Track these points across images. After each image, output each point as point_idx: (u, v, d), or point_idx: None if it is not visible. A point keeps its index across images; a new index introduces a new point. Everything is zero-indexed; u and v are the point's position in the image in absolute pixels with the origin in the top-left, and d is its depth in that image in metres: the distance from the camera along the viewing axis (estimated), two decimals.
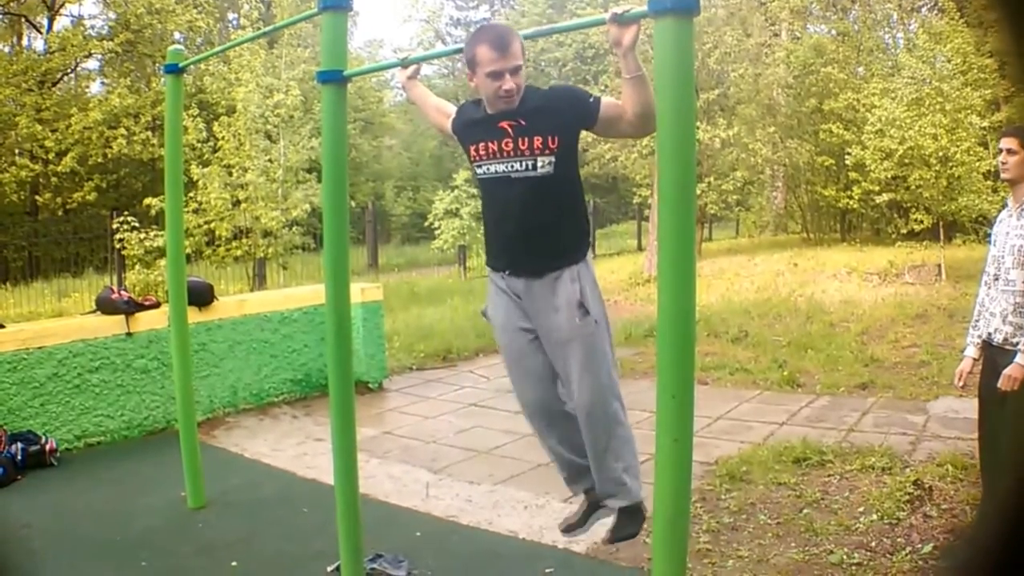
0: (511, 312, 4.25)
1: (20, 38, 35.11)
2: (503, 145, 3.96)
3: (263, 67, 19.49)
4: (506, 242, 4.20)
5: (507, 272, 4.21)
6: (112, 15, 34.37)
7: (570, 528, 4.67)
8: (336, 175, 4.98)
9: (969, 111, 18.37)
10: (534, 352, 4.25)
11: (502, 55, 3.86)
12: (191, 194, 17.64)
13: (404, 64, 4.65)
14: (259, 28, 19.65)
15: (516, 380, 4.38)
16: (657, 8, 3.22)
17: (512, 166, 3.97)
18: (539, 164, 3.92)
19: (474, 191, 24.66)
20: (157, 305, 9.28)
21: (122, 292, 9.46)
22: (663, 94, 3.32)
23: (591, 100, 3.99)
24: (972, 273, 16.06)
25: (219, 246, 18.64)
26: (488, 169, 4.07)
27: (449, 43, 51.37)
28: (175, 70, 6.71)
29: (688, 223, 3.38)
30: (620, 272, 22.70)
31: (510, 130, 3.93)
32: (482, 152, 4.06)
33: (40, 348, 8.38)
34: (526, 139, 3.92)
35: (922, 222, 19.05)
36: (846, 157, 21.86)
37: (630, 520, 4.48)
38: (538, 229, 4.04)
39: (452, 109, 4.52)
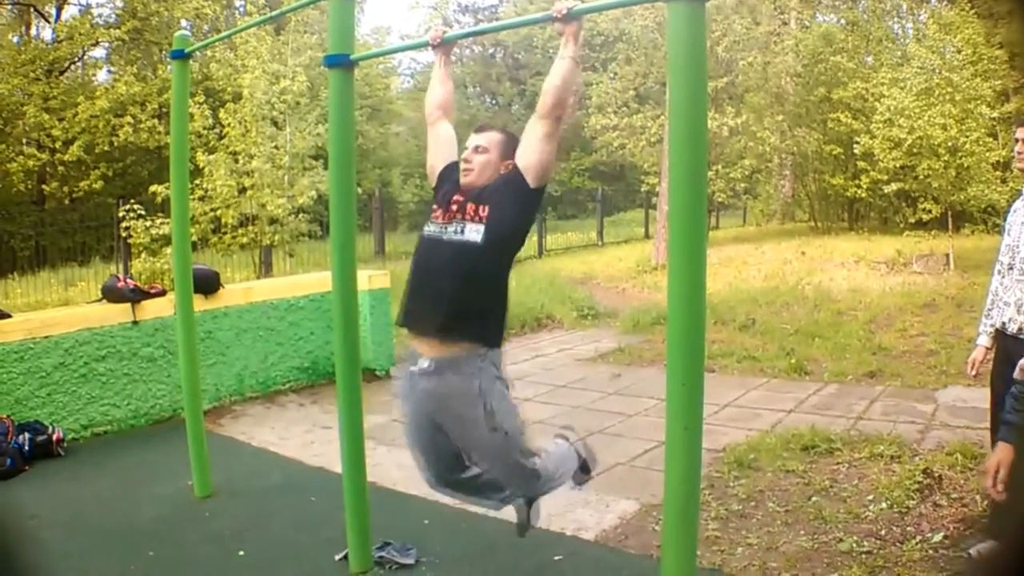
0: (417, 407, 4.44)
1: (29, 28, 35.05)
2: (449, 210, 4.23)
3: (269, 53, 19.37)
4: (416, 297, 4.33)
5: (417, 333, 4.35)
6: (119, 3, 34.24)
7: (523, 528, 4.96)
8: (343, 160, 4.96)
9: (979, 101, 18.31)
10: (438, 444, 4.44)
11: (476, 135, 4.34)
12: (197, 181, 17.54)
13: (436, 44, 4.58)
14: (266, 14, 19.63)
15: (417, 460, 4.63)
16: None
17: (446, 228, 4.20)
18: (467, 230, 4.12)
19: None
20: (163, 293, 9.26)
21: (128, 280, 9.39)
22: (677, 78, 3.33)
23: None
24: (980, 263, 16.03)
25: (225, 233, 18.57)
26: (428, 229, 4.32)
27: (456, 30, 51.26)
28: (181, 56, 6.67)
29: (699, 208, 3.39)
30: (627, 260, 22.69)
31: (459, 203, 4.21)
32: (434, 214, 4.33)
33: (46, 337, 8.36)
34: (466, 207, 4.17)
35: (930, 212, 19.02)
36: (854, 146, 21.81)
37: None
38: (449, 290, 4.14)
39: (452, 118, 4.73)
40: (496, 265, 4.21)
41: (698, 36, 3.31)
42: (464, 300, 4.12)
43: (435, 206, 4.34)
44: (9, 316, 8.55)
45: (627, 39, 26.44)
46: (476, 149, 4.27)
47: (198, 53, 17.98)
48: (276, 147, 19.04)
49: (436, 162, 4.56)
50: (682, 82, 3.30)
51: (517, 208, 4.17)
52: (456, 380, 4.15)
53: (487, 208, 4.11)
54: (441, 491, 4.77)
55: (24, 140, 31.09)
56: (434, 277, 4.21)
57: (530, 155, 4.13)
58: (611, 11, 24.87)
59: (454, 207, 4.20)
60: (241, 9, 38.26)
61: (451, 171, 4.43)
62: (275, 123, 19.46)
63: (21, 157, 29.90)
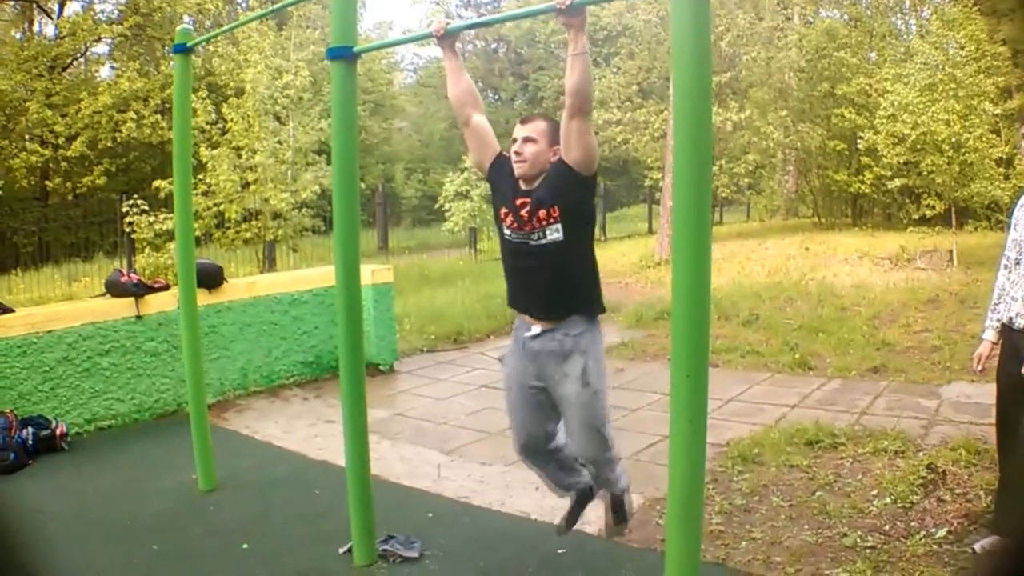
0: (523, 367, 4.74)
1: (31, 24, 35.01)
2: (521, 216, 4.52)
3: (272, 48, 19.39)
4: (524, 289, 4.72)
5: (527, 314, 4.72)
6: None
7: (566, 526, 5.22)
8: (346, 153, 4.97)
9: (982, 98, 18.30)
10: (535, 406, 4.78)
11: (522, 126, 4.56)
12: (200, 176, 17.57)
13: (440, 35, 4.58)
14: (267, 8, 19.62)
15: (514, 422, 4.93)
16: None
17: (530, 236, 4.52)
18: (548, 232, 4.47)
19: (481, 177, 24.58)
20: (167, 287, 9.26)
21: (131, 275, 9.39)
22: (681, 73, 3.32)
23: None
24: (984, 259, 16.02)
25: (229, 228, 18.60)
26: (510, 234, 4.63)
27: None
28: (183, 50, 6.65)
29: (704, 203, 3.39)
30: (631, 255, 22.66)
31: (527, 206, 4.49)
32: (506, 219, 4.62)
33: (50, 332, 8.37)
34: (538, 213, 4.47)
35: (934, 208, 19.02)
36: (858, 142, 21.79)
37: (620, 511, 5.07)
38: (549, 283, 4.55)
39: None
40: (582, 249, 4.63)
41: (702, 31, 3.32)
42: (563, 286, 4.54)
43: (503, 208, 4.63)
44: (12, 311, 8.55)
45: (630, 33, 26.47)
46: (525, 140, 4.49)
47: (200, 48, 17.93)
48: (279, 142, 19.06)
49: (482, 159, 4.83)
50: (686, 77, 3.29)
51: (580, 196, 4.50)
52: (562, 339, 4.54)
53: (557, 208, 4.41)
54: (525, 460, 5.06)
55: (27, 136, 31.02)
56: (532, 276, 4.59)
57: (575, 151, 4.34)
58: (614, 6, 24.88)
59: (524, 213, 4.50)
60: (243, 4, 38.27)
61: (501, 164, 4.71)
62: (278, 118, 19.49)
63: (24, 153, 29.84)
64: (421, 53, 53.93)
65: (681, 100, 3.32)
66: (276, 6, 7.57)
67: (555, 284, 4.51)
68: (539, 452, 4.94)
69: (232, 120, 18.81)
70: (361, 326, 5.25)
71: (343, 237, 5.02)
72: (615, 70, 28.90)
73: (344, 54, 4.87)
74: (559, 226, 4.43)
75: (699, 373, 3.40)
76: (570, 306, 4.57)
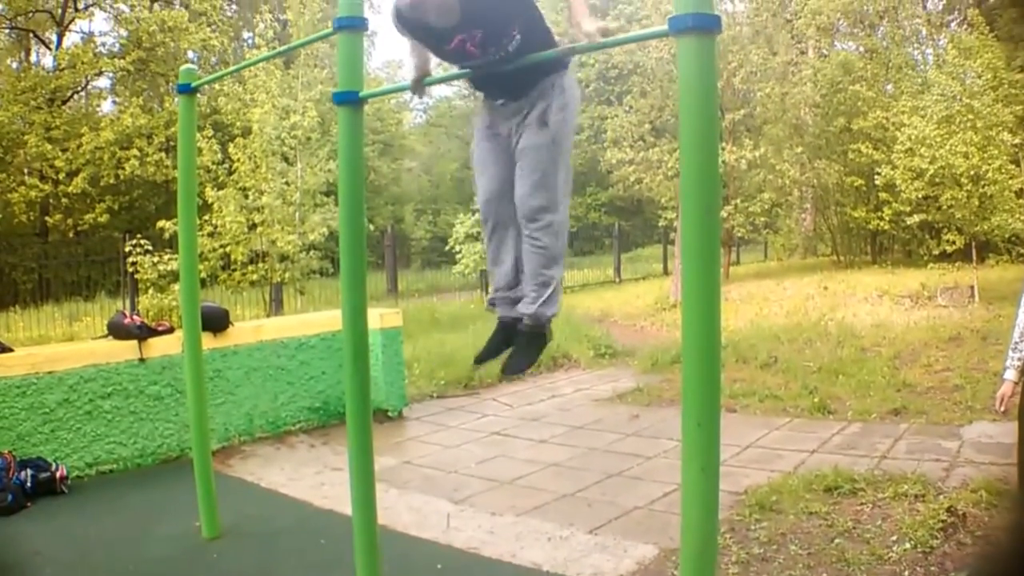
0: (491, 120, 4.42)
1: (28, 54, 35.15)
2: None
3: (279, 88, 19.35)
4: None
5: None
6: (124, 32, 34.27)
7: (481, 358, 4.72)
8: (353, 198, 4.87)
9: (1000, 128, 18.15)
10: (500, 153, 4.39)
11: None
12: (206, 217, 17.51)
13: (417, 88, 4.54)
14: (275, 48, 19.61)
15: (479, 178, 4.52)
16: (678, 27, 3.20)
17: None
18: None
19: None
20: (171, 330, 9.19)
21: (134, 316, 9.35)
22: (687, 113, 3.25)
23: None
24: (1006, 294, 15.84)
25: (235, 270, 18.53)
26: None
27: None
28: (188, 90, 6.59)
29: (713, 244, 3.30)
30: (646, 297, 22.51)
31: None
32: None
33: (50, 373, 8.29)
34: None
35: (954, 243, 18.82)
36: (876, 177, 21.66)
37: (528, 346, 4.45)
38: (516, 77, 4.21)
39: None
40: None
41: (709, 70, 3.26)
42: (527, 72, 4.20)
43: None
44: (11, 350, 8.49)
45: (642, 72, 26.43)
46: None
47: (206, 87, 17.88)
48: (287, 183, 18.99)
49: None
50: (693, 116, 3.23)
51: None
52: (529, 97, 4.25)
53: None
54: (486, 223, 4.60)
55: (26, 170, 31.03)
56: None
57: None
58: (626, 44, 24.88)
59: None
60: (250, 41, 38.53)
61: None
62: (285, 158, 19.43)
63: (23, 187, 29.83)
64: (431, 92, 54.05)
65: (688, 142, 3.25)
66: (282, 49, 7.50)
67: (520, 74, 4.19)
68: (502, 215, 4.47)
69: (239, 160, 18.74)
70: (368, 372, 5.12)
71: (350, 281, 4.92)
72: (627, 108, 28.83)
73: (350, 99, 4.77)
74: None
75: (711, 420, 3.28)
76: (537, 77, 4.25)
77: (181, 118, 6.82)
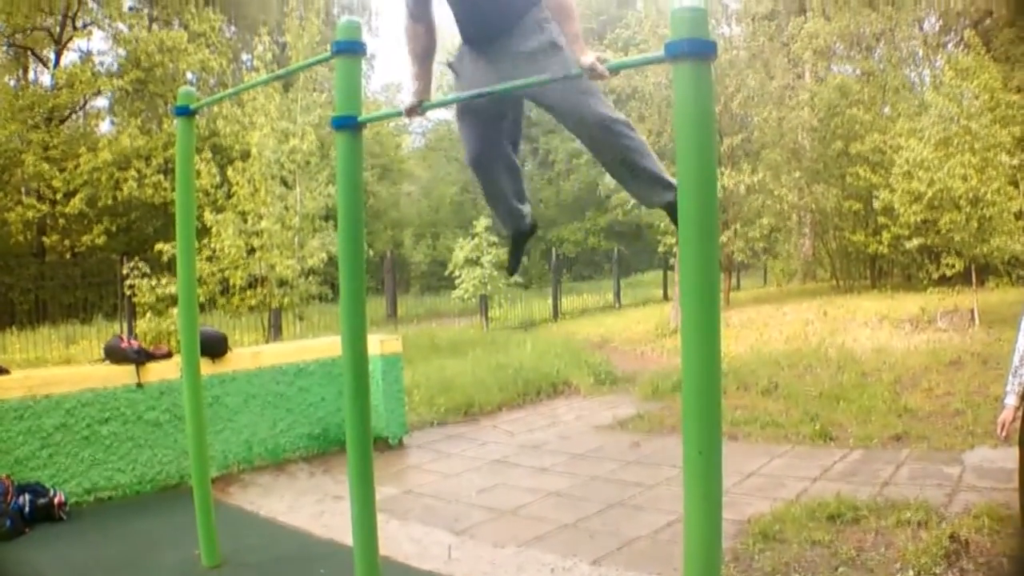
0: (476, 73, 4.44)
1: (26, 72, 35.09)
2: None
3: (278, 111, 19.34)
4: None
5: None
6: (122, 52, 34.24)
7: (512, 268, 5.64)
8: (352, 224, 4.86)
9: (998, 149, 18.13)
10: (479, 124, 4.59)
11: None
12: (204, 241, 17.51)
13: (412, 112, 4.58)
14: (273, 70, 19.60)
15: (463, 142, 4.73)
16: (674, 52, 3.22)
17: None
18: None
19: (495, 239, 24.49)
20: (169, 355, 9.14)
21: (132, 341, 9.32)
22: (684, 139, 3.27)
23: None
24: (1006, 317, 15.83)
25: (233, 295, 18.51)
26: None
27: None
28: (186, 112, 6.56)
29: (712, 272, 3.32)
30: (646, 323, 22.51)
31: None
32: None
33: (47, 396, 8.25)
34: None
35: (953, 266, 18.79)
36: (874, 201, 21.67)
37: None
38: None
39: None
40: None
41: (705, 96, 3.27)
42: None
43: None
44: (8, 372, 8.46)
45: (640, 96, 26.44)
46: None
47: (204, 109, 17.76)
48: (286, 207, 18.98)
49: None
50: (690, 142, 3.25)
51: None
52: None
53: None
54: (482, 173, 4.84)
55: (23, 189, 30.91)
56: None
57: None
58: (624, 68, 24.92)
59: None
60: (248, 63, 38.55)
61: None
62: (284, 182, 19.41)
63: (20, 207, 29.68)
64: (429, 115, 54.33)
65: (685, 169, 3.26)
66: (281, 72, 7.50)
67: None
68: (490, 167, 4.80)
69: (237, 184, 18.72)
70: (368, 399, 5.09)
71: (350, 308, 4.90)
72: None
73: (349, 123, 4.76)
74: None
75: (712, 449, 3.28)
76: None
77: (179, 141, 6.78)
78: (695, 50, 3.20)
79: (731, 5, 32.46)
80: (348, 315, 4.91)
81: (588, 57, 3.80)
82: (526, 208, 5.07)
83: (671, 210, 4.14)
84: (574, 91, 4.13)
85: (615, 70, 3.89)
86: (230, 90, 15.14)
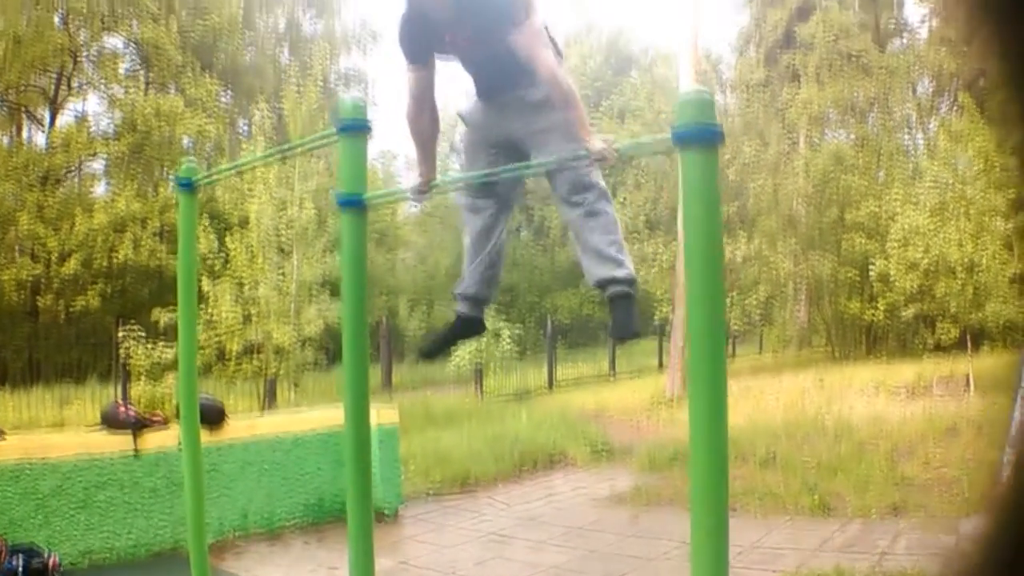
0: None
1: (19, 130, 35.05)
2: None
3: (276, 179, 19.36)
4: None
5: None
6: (118, 115, 34.10)
7: (431, 351, 5.35)
8: (356, 300, 4.85)
9: (994, 214, 18.20)
10: (481, 227, 4.61)
11: None
12: (201, 307, 17.43)
13: (420, 193, 4.71)
14: (272, 139, 19.73)
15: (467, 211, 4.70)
16: (681, 138, 3.25)
17: None
18: None
19: (491, 310, 24.42)
20: (165, 423, 9.20)
21: (129, 408, 9.37)
22: (691, 225, 3.33)
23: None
24: (1000, 382, 15.77)
25: (229, 361, 18.43)
26: None
27: (464, 158, 52.00)
28: (189, 186, 6.51)
29: (718, 356, 3.32)
30: (641, 392, 22.34)
31: None
32: None
33: (43, 460, 8.29)
34: None
35: (950, 333, 18.79)
36: (870, 269, 21.70)
37: (629, 307, 4.40)
38: None
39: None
40: None
41: (712, 180, 3.31)
42: None
43: None
44: (4, 434, 8.46)
45: (636, 164, 26.61)
46: None
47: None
48: (283, 275, 18.98)
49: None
50: (697, 228, 3.29)
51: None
52: None
53: None
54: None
55: (17, 248, 30.78)
56: None
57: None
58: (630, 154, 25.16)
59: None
60: (244, 130, 38.72)
61: None
62: (282, 249, 19.41)
63: (14, 267, 29.50)
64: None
65: (693, 251, 3.30)
66: (283, 148, 7.51)
67: None
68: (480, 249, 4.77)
69: (235, 251, 18.70)
70: (370, 470, 5.04)
71: (353, 384, 4.83)
72: (622, 201, 29.00)
73: (354, 202, 4.75)
74: None
75: (719, 528, 3.24)
76: None
77: (182, 214, 6.72)
78: (702, 136, 3.23)
79: (725, 74, 32.85)
80: (352, 390, 4.86)
81: (597, 143, 3.87)
82: (617, 268, 4.63)
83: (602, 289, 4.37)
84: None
85: (623, 154, 3.95)
86: (232, 165, 15.19)
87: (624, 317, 4.35)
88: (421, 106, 4.49)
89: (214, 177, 9.17)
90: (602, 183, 4.30)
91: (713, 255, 3.29)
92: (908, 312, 19.77)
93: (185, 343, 6.77)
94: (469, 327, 4.96)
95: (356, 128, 4.78)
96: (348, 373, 4.85)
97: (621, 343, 4.87)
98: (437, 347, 5.23)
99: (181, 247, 6.83)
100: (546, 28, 4.18)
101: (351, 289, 4.81)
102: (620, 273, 4.26)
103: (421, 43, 4.37)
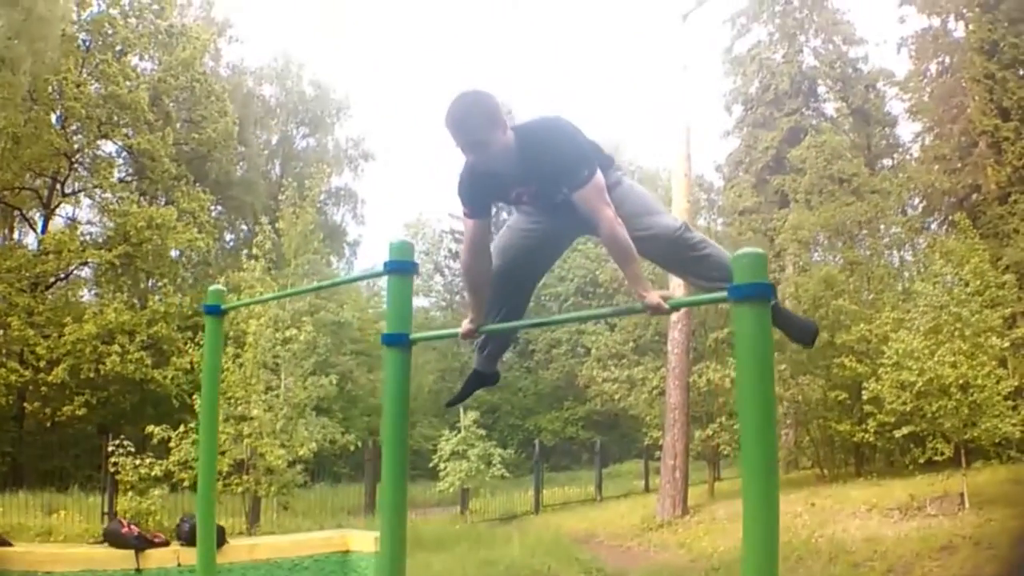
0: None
1: (11, 231, 35.08)
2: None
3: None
4: None
5: None
6: (110, 223, 34.24)
7: (454, 401, 5.79)
8: (397, 440, 4.97)
9: (989, 333, 18.25)
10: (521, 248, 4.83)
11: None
12: (191, 424, 17.37)
13: (468, 337, 4.85)
14: (271, 258, 19.87)
15: (496, 259, 4.77)
16: (737, 296, 3.56)
17: None
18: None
19: (482, 432, 24.34)
20: (166, 543, 9.35)
21: (132, 527, 9.51)
22: (744, 373, 3.63)
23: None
24: (995, 497, 15.78)
25: (219, 479, 18.25)
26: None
27: (447, 276, 52.74)
28: (216, 312, 6.53)
29: (772, 505, 3.78)
30: (630, 516, 22.18)
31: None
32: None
33: (48, 574, 8.38)
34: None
35: (942, 452, 18.69)
36: (862, 392, 21.66)
37: (786, 315, 4.91)
38: None
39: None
40: None
41: (765, 332, 3.60)
42: None
43: None
44: (11, 544, 8.59)
45: (626, 291, 26.75)
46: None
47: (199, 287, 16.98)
48: (276, 395, 18.92)
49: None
50: (750, 377, 3.60)
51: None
52: None
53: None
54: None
55: (4, 351, 30.53)
56: None
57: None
58: (610, 260, 25.34)
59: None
60: (231, 244, 38.95)
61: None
62: (273, 369, 19.38)
63: (3, 371, 29.29)
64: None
65: (746, 401, 3.63)
66: (325, 283, 7.56)
67: None
68: (507, 293, 4.97)
69: (229, 370, 18.63)
70: None
71: (391, 532, 4.93)
72: (612, 326, 29.11)
73: (400, 341, 4.89)
74: None
75: None
76: None
77: (208, 339, 6.74)
78: (756, 294, 3.53)
79: (717, 201, 33.22)
80: (389, 522, 4.96)
81: (652, 297, 4.11)
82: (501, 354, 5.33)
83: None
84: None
85: (676, 307, 4.20)
86: (272, 296, 15.48)
87: (796, 320, 4.89)
88: (477, 255, 4.66)
89: (242, 303, 9.30)
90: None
91: (766, 402, 3.58)
92: (900, 432, 19.65)
93: (205, 468, 6.81)
94: (484, 381, 5.35)
95: (404, 269, 4.96)
96: (386, 504, 5.00)
97: (810, 346, 4.98)
98: (457, 399, 5.71)
99: (205, 371, 6.88)
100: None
101: (393, 423, 4.92)
102: None
103: (484, 197, 4.58)
